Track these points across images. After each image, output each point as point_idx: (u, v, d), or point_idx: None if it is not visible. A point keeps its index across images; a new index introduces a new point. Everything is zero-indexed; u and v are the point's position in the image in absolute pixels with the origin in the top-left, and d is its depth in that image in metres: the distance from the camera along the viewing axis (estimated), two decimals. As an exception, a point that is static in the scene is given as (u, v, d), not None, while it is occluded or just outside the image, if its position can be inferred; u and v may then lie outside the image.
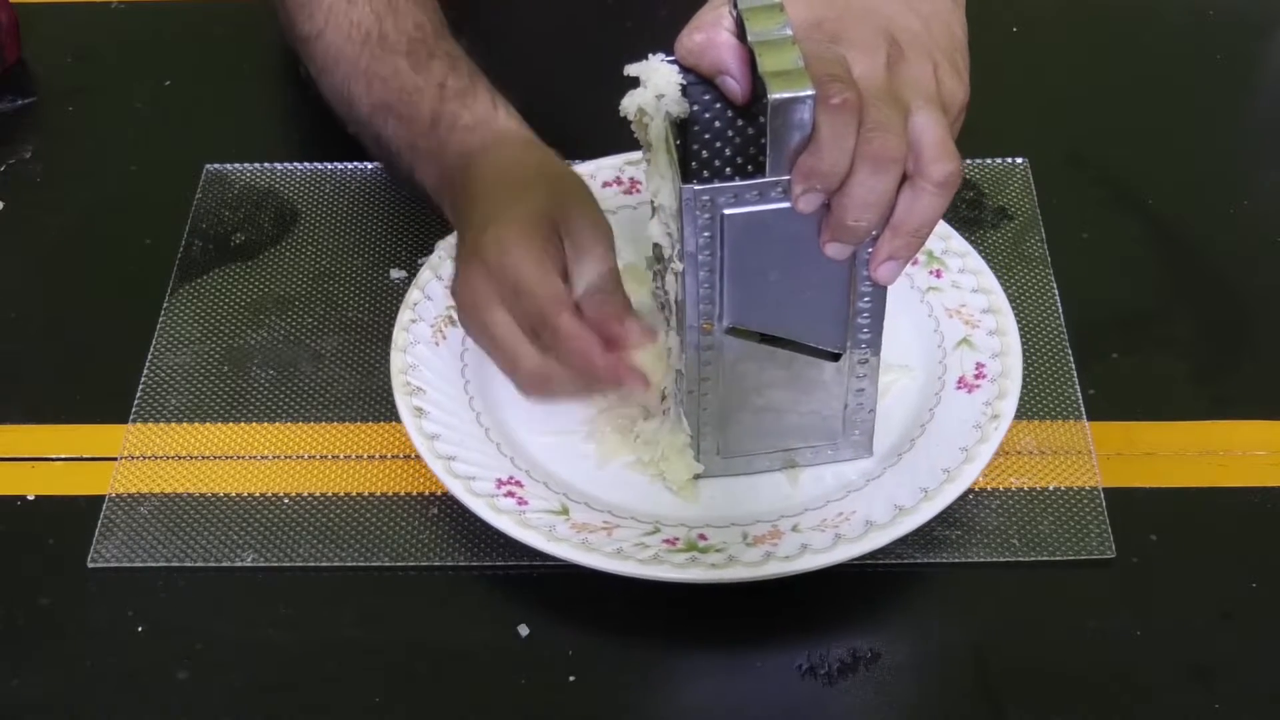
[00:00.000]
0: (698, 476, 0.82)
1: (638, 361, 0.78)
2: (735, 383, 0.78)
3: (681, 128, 0.74)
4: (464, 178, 0.87)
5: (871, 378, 0.79)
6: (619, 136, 0.80)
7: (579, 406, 0.85)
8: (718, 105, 0.73)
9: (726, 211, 0.71)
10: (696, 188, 0.70)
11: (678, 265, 0.74)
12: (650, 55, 0.73)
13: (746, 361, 0.77)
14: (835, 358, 0.78)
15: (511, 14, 1.11)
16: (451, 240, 0.92)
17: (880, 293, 0.75)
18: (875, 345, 0.78)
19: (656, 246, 0.77)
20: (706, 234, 0.71)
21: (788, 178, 0.69)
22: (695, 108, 0.73)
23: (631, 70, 0.73)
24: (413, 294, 0.89)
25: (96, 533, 0.82)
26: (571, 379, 0.79)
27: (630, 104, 0.73)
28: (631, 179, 0.95)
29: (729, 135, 0.74)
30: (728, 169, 0.74)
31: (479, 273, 0.80)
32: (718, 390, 0.78)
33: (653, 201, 0.75)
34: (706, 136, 0.74)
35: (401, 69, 0.92)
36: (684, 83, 0.73)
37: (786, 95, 0.67)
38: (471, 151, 0.87)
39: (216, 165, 1.03)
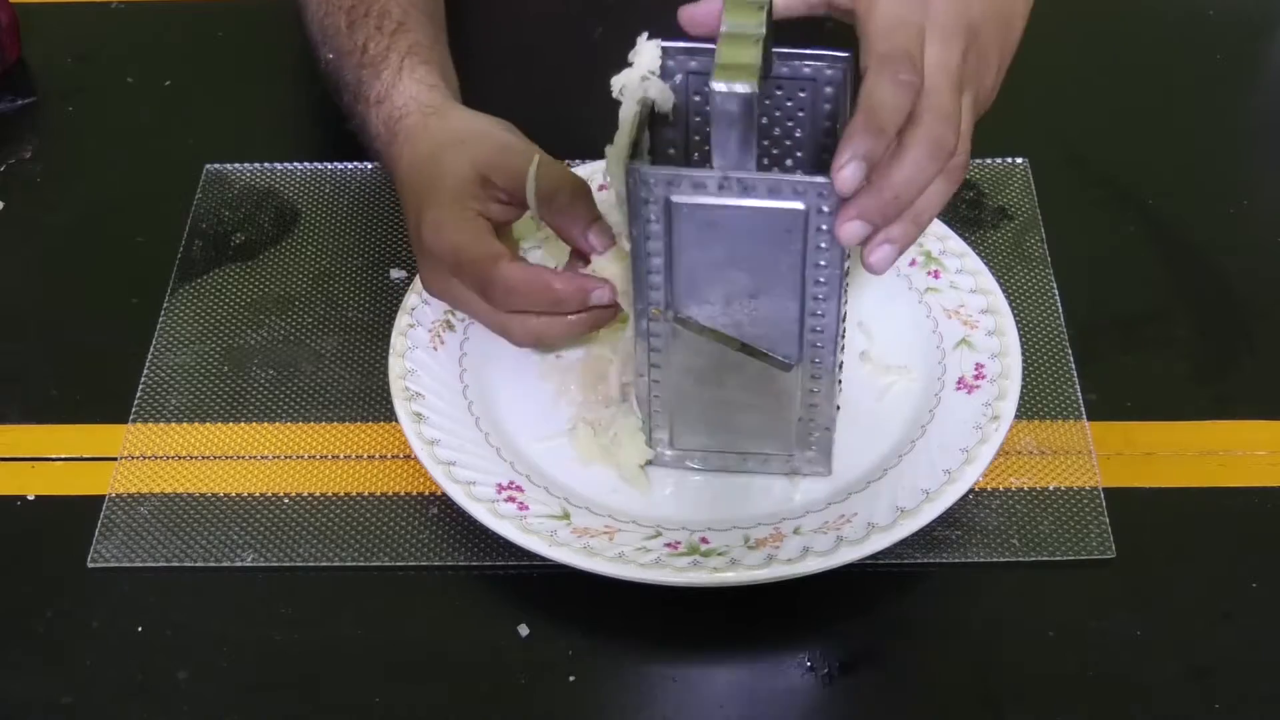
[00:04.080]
0: (649, 463, 0.82)
1: (601, 270, 0.80)
2: (685, 372, 0.77)
3: (659, 120, 0.73)
4: (386, 159, 0.89)
5: (826, 396, 0.77)
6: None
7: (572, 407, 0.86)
8: None
9: (674, 199, 0.70)
10: (638, 166, 0.70)
11: (625, 246, 0.74)
12: (639, 38, 0.73)
13: (696, 355, 0.76)
14: (786, 368, 0.76)
15: (508, 13, 1.11)
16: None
17: (834, 311, 0.73)
18: (828, 364, 0.75)
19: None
20: (653, 218, 0.71)
21: (738, 174, 0.69)
22: (696, 97, 0.73)
23: (633, 56, 0.74)
24: (410, 299, 0.89)
25: (96, 533, 0.82)
26: (545, 321, 0.80)
27: (619, 83, 0.74)
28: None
29: None
30: None
31: (427, 261, 0.83)
32: (668, 377, 0.77)
33: (613, 183, 0.75)
34: (708, 128, 0.73)
35: (341, 29, 0.94)
36: (692, 69, 0.73)
37: (722, 87, 0.66)
38: (380, 134, 0.89)
39: (216, 165, 1.02)
